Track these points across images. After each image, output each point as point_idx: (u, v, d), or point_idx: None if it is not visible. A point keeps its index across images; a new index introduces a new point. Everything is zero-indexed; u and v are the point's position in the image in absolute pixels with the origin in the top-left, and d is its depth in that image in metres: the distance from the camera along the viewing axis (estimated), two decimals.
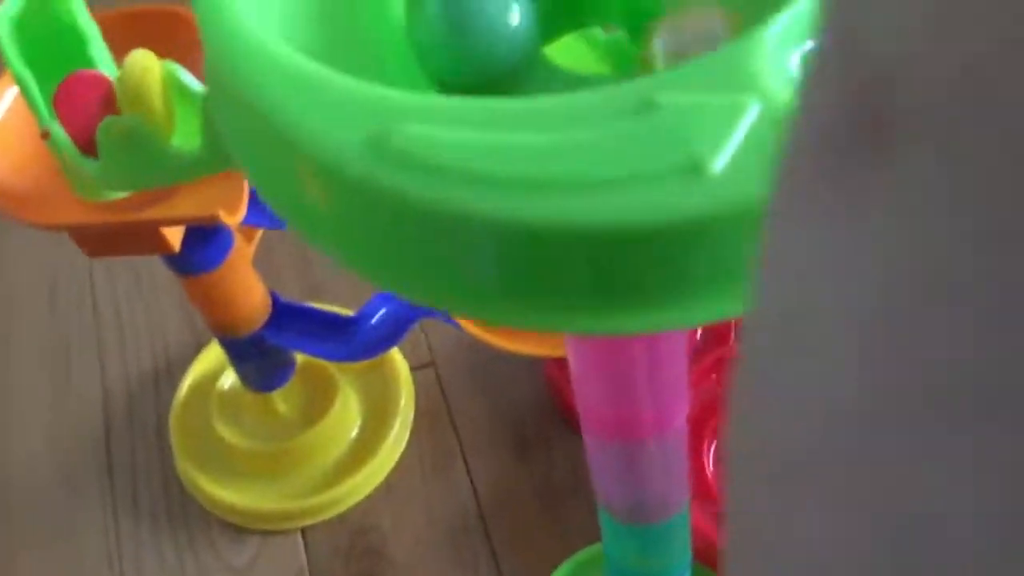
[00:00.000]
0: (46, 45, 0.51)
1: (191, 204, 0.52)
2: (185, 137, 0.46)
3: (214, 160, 0.43)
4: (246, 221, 0.56)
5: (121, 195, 0.53)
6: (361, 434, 0.78)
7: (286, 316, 0.70)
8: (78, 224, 0.53)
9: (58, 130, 0.48)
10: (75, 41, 0.52)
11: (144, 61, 0.47)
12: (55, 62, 0.51)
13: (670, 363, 0.40)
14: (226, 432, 0.76)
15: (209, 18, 0.25)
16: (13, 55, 0.50)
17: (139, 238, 0.56)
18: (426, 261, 0.24)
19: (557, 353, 0.46)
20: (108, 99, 0.48)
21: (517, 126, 0.22)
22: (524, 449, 0.78)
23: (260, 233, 0.69)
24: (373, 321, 0.71)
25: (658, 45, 0.27)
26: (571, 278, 0.23)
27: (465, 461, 0.77)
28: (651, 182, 0.21)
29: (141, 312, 0.88)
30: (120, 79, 0.47)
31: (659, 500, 0.48)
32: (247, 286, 0.67)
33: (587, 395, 0.42)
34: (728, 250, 0.22)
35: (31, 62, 0.50)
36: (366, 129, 0.22)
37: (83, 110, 0.48)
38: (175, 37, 0.53)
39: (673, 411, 0.42)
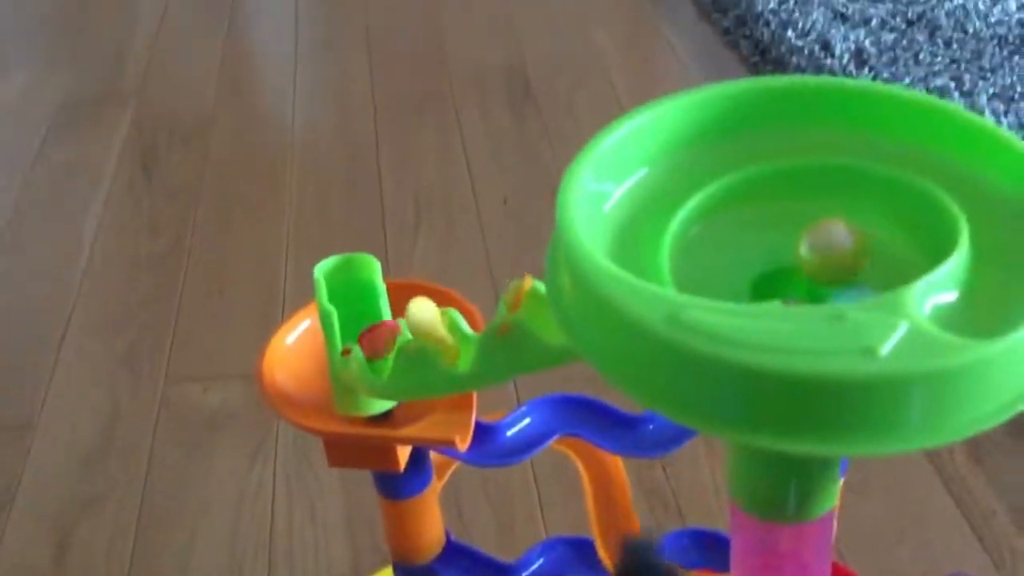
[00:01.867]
0: (347, 293, 0.67)
1: (434, 428, 0.65)
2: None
3: (478, 380, 0.57)
4: (448, 454, 0.68)
5: (378, 410, 0.67)
6: None
7: (456, 553, 0.80)
8: (339, 433, 0.66)
9: (357, 350, 0.63)
10: (370, 295, 0.68)
11: (427, 303, 0.63)
12: (351, 307, 0.67)
13: (814, 558, 0.50)
14: None
15: (571, 253, 0.43)
16: (323, 294, 0.66)
17: (377, 453, 0.68)
18: (702, 395, 0.39)
19: None
20: (395, 336, 0.63)
21: (760, 317, 0.39)
22: None
23: (451, 470, 0.81)
24: (528, 572, 0.79)
25: (804, 248, 0.44)
26: (785, 412, 0.38)
27: None
28: (843, 355, 0.38)
29: (311, 539, 0.99)
30: (409, 313, 0.62)
31: None
32: (433, 517, 0.77)
33: None
34: (890, 407, 0.37)
35: (334, 303, 0.66)
36: (665, 311, 0.39)
37: (379, 341, 0.63)
38: (438, 302, 0.68)
39: None
